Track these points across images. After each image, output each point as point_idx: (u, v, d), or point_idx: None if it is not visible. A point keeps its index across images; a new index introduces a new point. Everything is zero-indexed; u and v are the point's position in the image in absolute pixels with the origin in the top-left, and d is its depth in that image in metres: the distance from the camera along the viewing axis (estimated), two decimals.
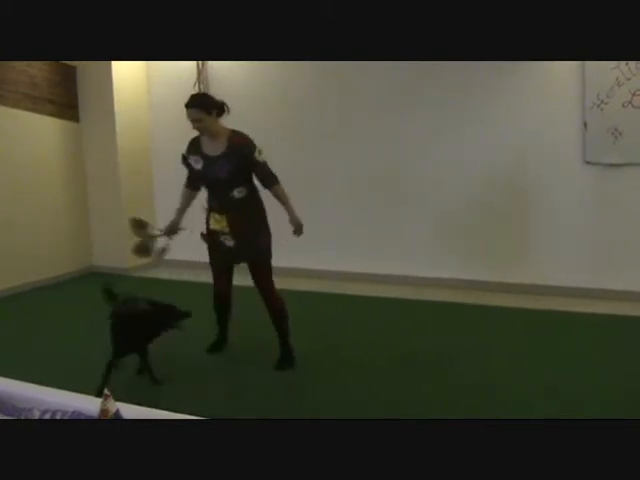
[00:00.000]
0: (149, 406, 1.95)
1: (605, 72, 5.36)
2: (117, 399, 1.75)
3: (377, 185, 6.57)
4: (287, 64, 6.54)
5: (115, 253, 7.43)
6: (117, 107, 7.21)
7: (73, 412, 1.89)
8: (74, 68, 7.28)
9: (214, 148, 4.07)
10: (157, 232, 4.36)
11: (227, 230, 4.11)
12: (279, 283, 4.23)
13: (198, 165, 4.10)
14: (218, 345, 4.55)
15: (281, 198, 4.22)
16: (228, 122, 4.42)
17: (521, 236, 5.96)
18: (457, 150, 6.14)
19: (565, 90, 5.62)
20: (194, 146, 4.16)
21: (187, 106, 3.99)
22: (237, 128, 4.33)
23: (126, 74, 7.35)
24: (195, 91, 7.16)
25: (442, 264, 6.31)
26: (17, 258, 6.42)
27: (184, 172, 4.42)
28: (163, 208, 7.60)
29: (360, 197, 6.68)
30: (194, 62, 7.16)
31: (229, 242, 4.13)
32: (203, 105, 4.03)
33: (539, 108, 5.76)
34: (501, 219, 6.03)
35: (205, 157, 4.08)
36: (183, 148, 4.26)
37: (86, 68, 7.26)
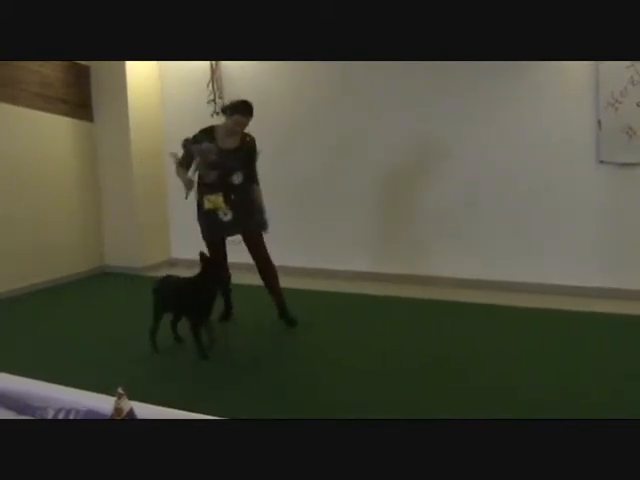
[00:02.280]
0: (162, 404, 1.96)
1: (619, 71, 5.33)
2: (131, 397, 1.75)
3: (389, 185, 6.57)
4: (299, 64, 6.57)
5: (128, 253, 7.47)
6: (131, 106, 7.24)
7: (87, 411, 1.90)
8: (87, 68, 7.32)
9: (229, 142, 4.67)
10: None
11: (223, 206, 4.66)
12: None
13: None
14: (227, 315, 5.17)
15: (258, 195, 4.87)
16: None
17: (533, 235, 5.93)
18: (471, 149, 6.13)
19: (579, 89, 5.59)
20: (208, 135, 4.67)
21: (250, 114, 4.61)
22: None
23: (139, 74, 7.38)
24: (209, 91, 7.20)
25: (457, 264, 6.31)
26: (30, 257, 6.47)
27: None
28: (176, 208, 7.65)
29: (374, 196, 6.69)
30: (207, 62, 7.18)
31: (226, 217, 4.69)
32: (252, 113, 4.64)
33: (553, 107, 5.73)
34: (514, 218, 6.00)
35: (220, 149, 4.59)
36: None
37: (99, 68, 7.30)
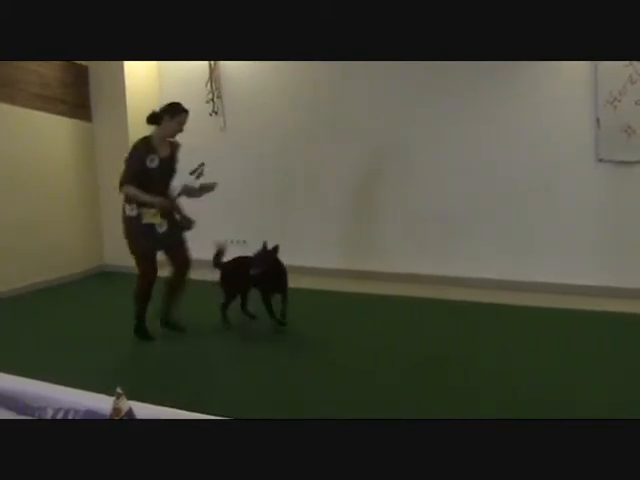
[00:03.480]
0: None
1: (618, 70, 5.33)
2: (129, 397, 1.76)
3: (387, 184, 6.57)
4: (298, 63, 6.55)
5: (127, 252, 7.44)
6: (129, 106, 7.23)
7: (86, 411, 1.90)
8: (86, 68, 7.31)
9: (164, 150, 4.63)
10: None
11: (160, 221, 4.61)
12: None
13: (153, 164, 4.54)
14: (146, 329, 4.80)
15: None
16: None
17: (533, 234, 5.94)
18: (469, 149, 6.13)
19: (578, 88, 5.59)
20: (149, 146, 4.57)
21: (186, 111, 4.58)
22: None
23: (138, 73, 7.37)
24: (208, 90, 7.19)
25: (451, 262, 6.31)
26: (29, 258, 6.46)
27: None
28: None
29: (369, 196, 6.69)
30: (206, 61, 7.16)
31: (162, 228, 4.63)
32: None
33: (552, 106, 5.73)
34: (514, 217, 6.01)
35: (160, 158, 4.58)
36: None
37: (98, 68, 7.29)
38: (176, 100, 4.56)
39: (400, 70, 6.21)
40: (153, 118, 4.63)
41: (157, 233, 4.62)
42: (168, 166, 4.68)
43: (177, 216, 4.75)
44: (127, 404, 1.73)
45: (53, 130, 6.88)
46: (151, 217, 4.58)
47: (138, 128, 7.31)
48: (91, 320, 5.35)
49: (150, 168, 4.52)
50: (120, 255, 7.47)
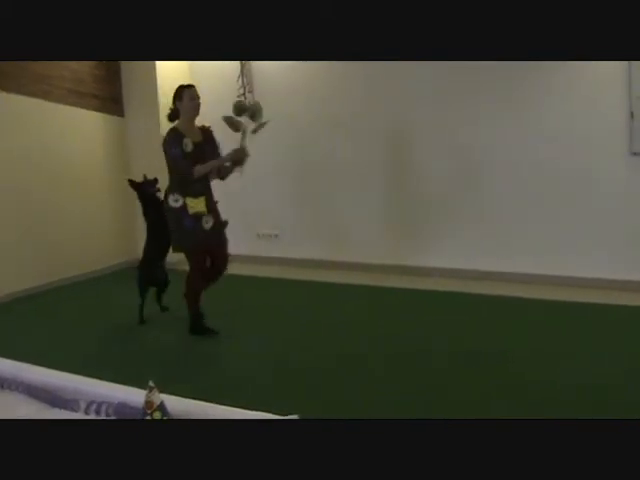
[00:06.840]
0: None
1: None
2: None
3: (415, 183, 6.53)
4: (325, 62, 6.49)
5: None
6: (161, 100, 7.25)
7: (118, 404, 1.91)
8: (118, 63, 7.38)
9: (194, 135, 4.51)
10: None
11: (206, 211, 4.41)
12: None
13: (189, 148, 4.41)
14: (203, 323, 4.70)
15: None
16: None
17: (567, 229, 5.83)
18: (503, 144, 6.05)
19: (612, 80, 5.47)
20: (179, 133, 4.45)
21: (190, 86, 4.61)
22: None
23: (170, 68, 7.38)
24: (239, 85, 7.17)
25: (481, 256, 6.24)
26: (63, 252, 6.53)
27: None
28: None
29: (397, 192, 6.67)
30: None
31: (207, 224, 4.42)
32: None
33: (585, 99, 5.62)
34: (547, 213, 5.91)
35: (193, 142, 4.45)
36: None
37: (130, 63, 7.34)
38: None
39: (435, 70, 6.11)
40: (172, 113, 4.66)
41: (203, 229, 4.42)
42: (204, 149, 4.49)
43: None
44: (159, 397, 1.74)
45: (86, 124, 6.95)
46: (196, 206, 4.37)
47: (169, 123, 7.37)
48: (118, 313, 5.48)
49: (187, 153, 4.38)
50: None
